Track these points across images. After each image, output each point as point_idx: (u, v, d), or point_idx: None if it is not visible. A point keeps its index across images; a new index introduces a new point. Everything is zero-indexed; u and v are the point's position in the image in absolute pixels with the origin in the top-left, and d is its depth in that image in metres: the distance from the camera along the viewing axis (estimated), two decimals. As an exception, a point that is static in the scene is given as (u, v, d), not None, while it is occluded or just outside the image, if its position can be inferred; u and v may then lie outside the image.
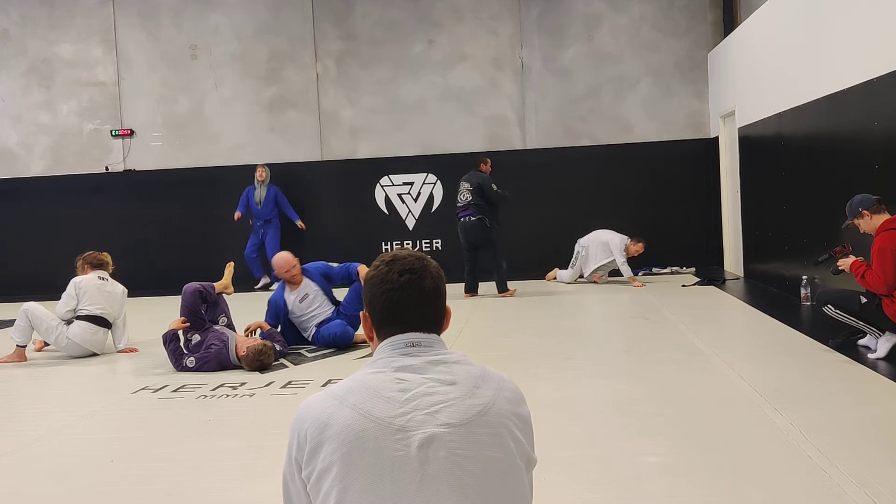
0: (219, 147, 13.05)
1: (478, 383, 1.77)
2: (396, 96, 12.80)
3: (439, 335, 1.85)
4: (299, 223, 12.32)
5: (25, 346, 7.24)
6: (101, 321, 7.27)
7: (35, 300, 7.62)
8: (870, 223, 5.72)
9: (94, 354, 7.32)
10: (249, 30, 12.98)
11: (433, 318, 1.84)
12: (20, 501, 3.81)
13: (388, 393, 1.71)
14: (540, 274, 11.86)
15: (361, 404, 1.70)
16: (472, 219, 10.04)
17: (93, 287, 7.31)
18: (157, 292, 11.73)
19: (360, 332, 7.01)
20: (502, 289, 10.17)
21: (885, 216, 5.68)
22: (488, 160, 10.63)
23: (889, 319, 5.57)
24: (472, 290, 10.30)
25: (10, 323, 9.59)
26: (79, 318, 7.20)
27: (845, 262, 5.86)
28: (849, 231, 6.23)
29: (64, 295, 7.30)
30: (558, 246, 12.36)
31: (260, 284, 12.21)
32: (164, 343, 6.57)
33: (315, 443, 1.69)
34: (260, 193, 12.23)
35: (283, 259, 7.29)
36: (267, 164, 12.42)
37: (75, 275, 7.47)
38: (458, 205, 10.26)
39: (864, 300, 5.74)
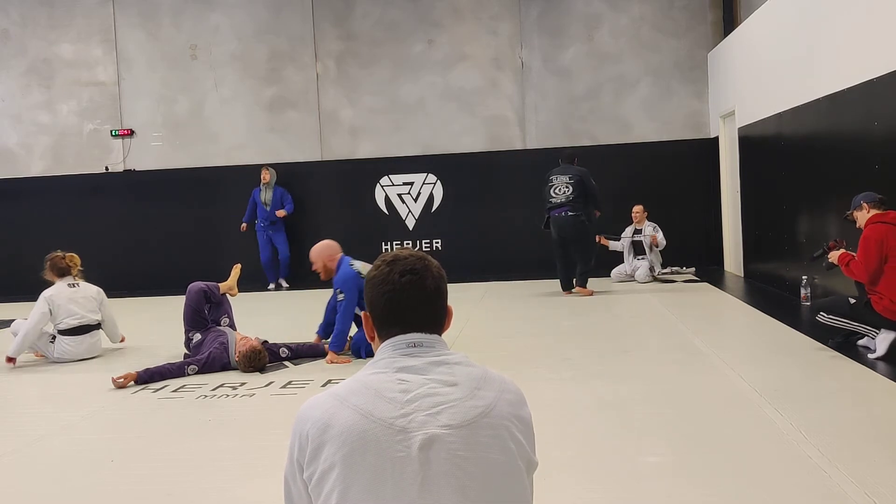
0: (219, 147, 13.05)
1: (479, 385, 1.76)
2: (396, 96, 12.80)
3: (441, 335, 1.85)
4: (281, 212, 12.15)
5: (14, 359, 7.00)
6: (82, 329, 7.17)
7: (34, 301, 7.60)
8: (865, 217, 5.84)
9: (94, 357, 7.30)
10: (249, 30, 12.98)
11: (434, 319, 1.84)
12: (20, 501, 3.81)
13: (389, 394, 1.71)
14: (540, 274, 11.86)
15: (363, 405, 1.70)
16: (570, 214, 9.81)
17: (64, 299, 7.12)
18: (157, 292, 11.73)
19: None
20: (583, 282, 9.91)
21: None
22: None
23: (881, 316, 5.64)
24: (570, 287, 10.03)
25: (10, 323, 9.60)
26: (61, 332, 7.10)
27: (835, 255, 5.99)
28: (844, 226, 6.31)
29: (36, 311, 7.01)
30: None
31: (270, 288, 12.28)
32: (149, 381, 6.07)
33: (317, 444, 1.69)
34: (266, 195, 12.20)
35: (314, 251, 6.70)
36: (268, 165, 12.42)
37: (44, 275, 7.32)
38: (553, 200, 9.87)
39: (853, 301, 5.83)
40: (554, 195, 9.91)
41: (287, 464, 1.79)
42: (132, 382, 5.98)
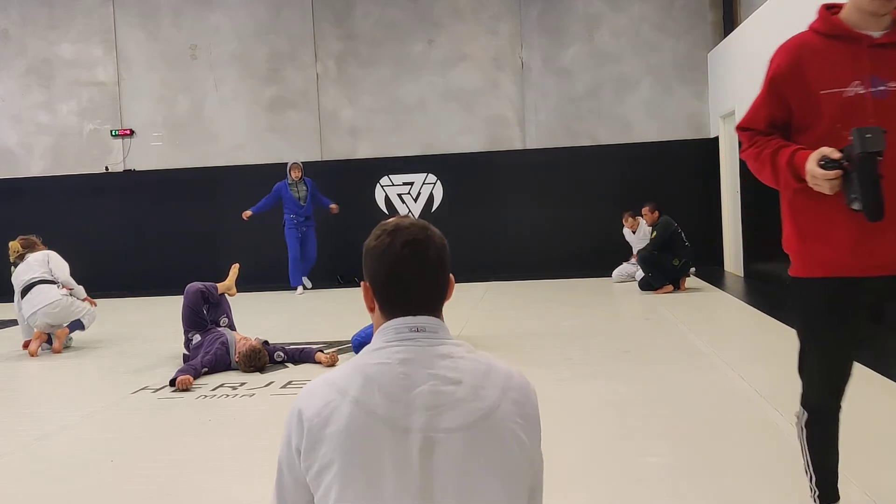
0: (219, 147, 13.05)
1: (482, 383, 1.73)
2: (396, 96, 12.81)
3: (442, 305, 1.82)
4: (333, 206, 11.69)
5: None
6: (29, 288, 7.69)
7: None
8: None
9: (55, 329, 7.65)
10: (249, 30, 12.98)
11: (437, 290, 1.80)
12: (20, 501, 3.81)
13: (391, 390, 1.69)
14: (540, 274, 11.86)
15: (364, 401, 1.68)
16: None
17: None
18: (157, 292, 11.73)
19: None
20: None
21: None
22: None
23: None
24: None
25: (10, 323, 9.60)
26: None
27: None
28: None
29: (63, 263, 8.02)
30: (558, 245, 12.37)
31: (299, 292, 11.54)
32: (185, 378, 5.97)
33: (315, 438, 1.66)
34: (300, 191, 11.60)
35: None
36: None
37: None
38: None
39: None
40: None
41: (283, 451, 1.74)
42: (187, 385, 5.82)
